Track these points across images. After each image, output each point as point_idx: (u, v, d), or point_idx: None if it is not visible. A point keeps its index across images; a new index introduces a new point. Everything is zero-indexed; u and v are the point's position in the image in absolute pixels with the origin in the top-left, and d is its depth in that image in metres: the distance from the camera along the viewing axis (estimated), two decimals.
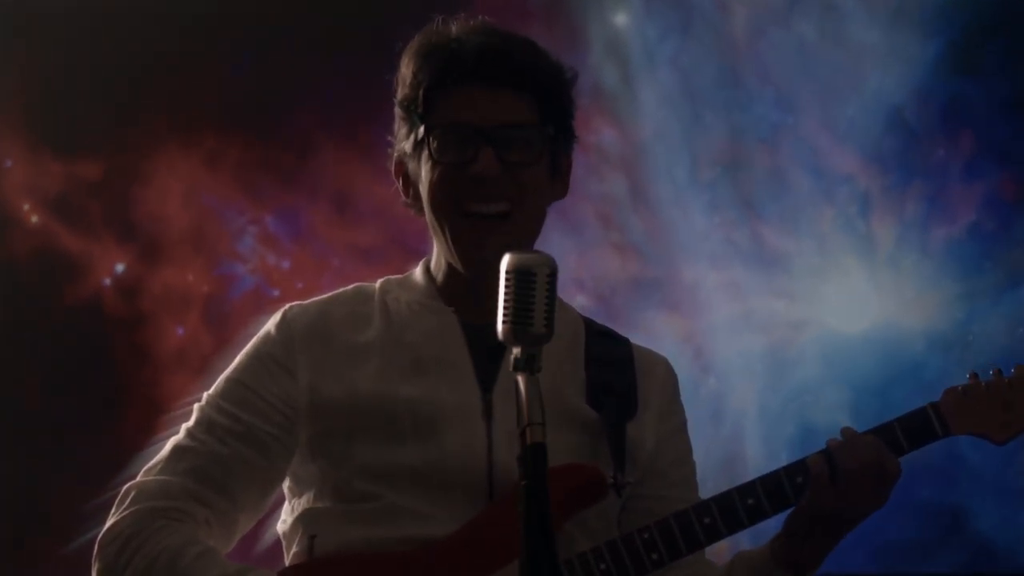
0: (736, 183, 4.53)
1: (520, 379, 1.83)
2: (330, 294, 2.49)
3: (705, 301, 4.50)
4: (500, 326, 1.86)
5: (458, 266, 2.40)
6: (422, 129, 2.36)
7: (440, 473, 2.31)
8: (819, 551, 2.38)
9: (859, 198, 4.53)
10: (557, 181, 2.45)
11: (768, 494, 2.33)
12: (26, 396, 4.45)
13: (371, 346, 2.38)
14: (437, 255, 2.46)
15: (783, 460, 4.29)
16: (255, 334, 2.46)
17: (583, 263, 4.46)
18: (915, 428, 2.36)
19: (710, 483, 4.30)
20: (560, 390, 2.37)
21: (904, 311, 4.48)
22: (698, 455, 4.35)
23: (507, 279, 1.86)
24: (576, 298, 4.37)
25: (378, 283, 2.49)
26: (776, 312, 4.49)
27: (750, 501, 2.31)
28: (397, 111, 2.42)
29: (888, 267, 4.50)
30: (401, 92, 2.41)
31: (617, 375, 2.45)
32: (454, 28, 2.41)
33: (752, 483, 2.34)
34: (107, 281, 4.50)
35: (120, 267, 4.50)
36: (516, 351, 1.85)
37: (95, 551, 2.31)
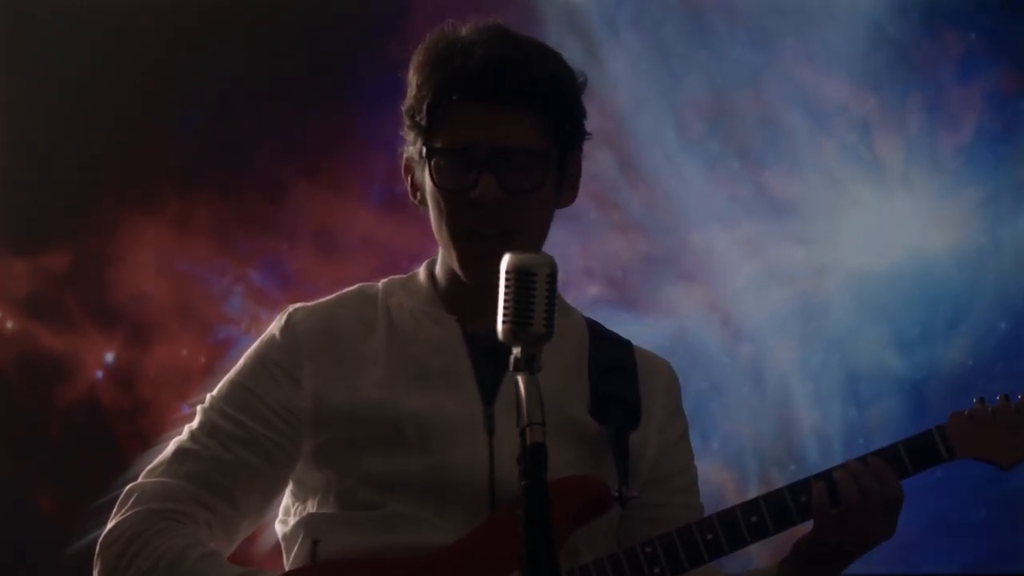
0: (727, 136, 4.50)
1: (520, 379, 1.88)
2: (334, 296, 2.52)
3: (721, 264, 4.47)
4: (500, 326, 1.91)
5: (465, 279, 2.43)
6: (424, 149, 2.39)
7: (443, 485, 2.36)
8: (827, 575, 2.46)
9: (857, 124, 4.50)
10: (565, 190, 2.47)
11: (771, 512, 2.39)
12: (39, 507, 4.41)
13: (376, 355, 2.43)
14: (442, 259, 2.49)
15: (836, 415, 4.46)
16: None
17: (587, 251, 4.43)
18: (920, 451, 2.43)
19: (767, 453, 4.41)
20: (563, 402, 2.40)
21: (927, 231, 4.46)
22: (747, 424, 4.47)
23: (507, 279, 1.91)
24: (588, 289, 4.38)
25: (381, 284, 2.52)
26: (796, 261, 4.48)
27: (753, 518, 2.38)
28: (404, 116, 2.44)
29: (902, 189, 4.48)
30: (407, 100, 2.43)
31: (620, 384, 2.50)
32: (463, 33, 2.40)
33: (755, 500, 2.40)
34: (99, 374, 4.48)
35: (109, 356, 4.48)
36: (516, 351, 1.90)
37: (96, 551, 2.37)
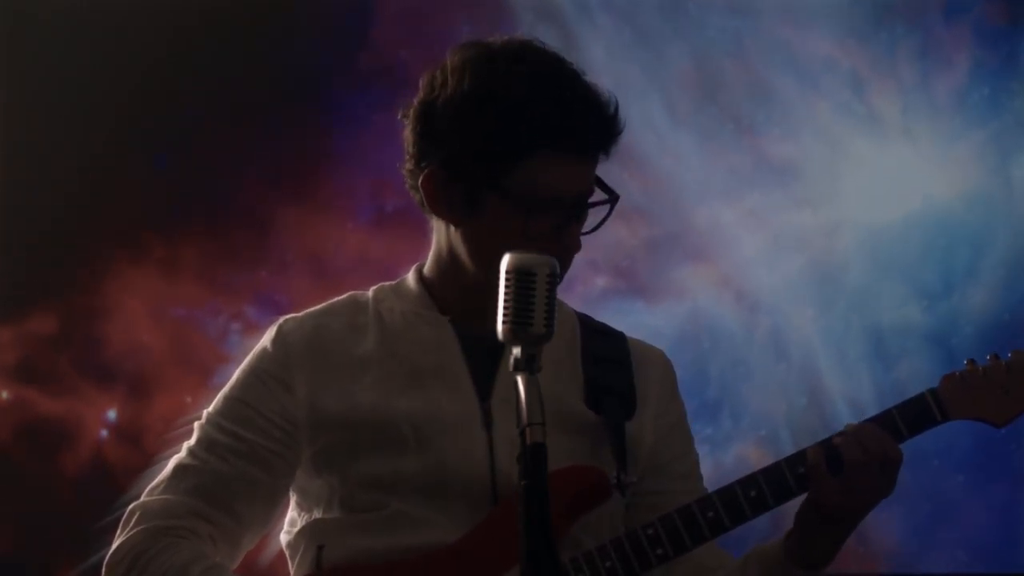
0: (718, 107, 4.47)
1: (520, 379, 1.94)
2: (324, 305, 2.58)
3: (728, 239, 4.44)
4: (500, 326, 1.96)
5: None
6: (512, 187, 2.37)
7: (443, 483, 2.42)
8: (831, 544, 2.48)
9: (849, 79, 4.46)
10: None
11: (770, 485, 2.45)
12: None
13: (368, 359, 2.48)
14: (432, 261, 2.52)
15: (866, 379, 4.41)
16: None
17: (590, 243, 4.25)
18: (914, 415, 2.48)
19: (801, 426, 4.33)
20: (558, 393, 2.43)
21: (935, 178, 4.42)
22: (776, 399, 4.42)
23: (507, 279, 1.96)
24: (595, 281, 4.32)
25: (371, 291, 2.58)
26: (805, 225, 4.44)
27: (752, 493, 2.44)
28: (466, 138, 2.39)
29: (903, 139, 4.44)
30: (483, 120, 2.38)
31: (615, 373, 2.55)
32: (551, 74, 2.40)
33: (754, 475, 2.45)
34: (103, 433, 4.45)
35: (111, 414, 4.45)
36: (516, 351, 1.95)
37: (103, 572, 2.43)
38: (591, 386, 2.52)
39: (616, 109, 2.43)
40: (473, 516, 2.40)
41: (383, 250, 4.36)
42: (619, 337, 2.61)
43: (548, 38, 2.48)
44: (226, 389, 2.52)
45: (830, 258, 4.42)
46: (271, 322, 2.55)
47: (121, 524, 2.45)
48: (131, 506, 2.46)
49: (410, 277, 2.55)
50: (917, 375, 4.34)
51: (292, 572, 2.50)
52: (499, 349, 2.22)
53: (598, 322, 2.62)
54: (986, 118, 4.42)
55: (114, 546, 2.43)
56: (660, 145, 4.44)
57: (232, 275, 4.48)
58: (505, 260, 1.97)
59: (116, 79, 4.51)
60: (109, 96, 4.50)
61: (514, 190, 2.36)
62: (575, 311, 2.61)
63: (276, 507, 2.51)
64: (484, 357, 2.45)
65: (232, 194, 4.48)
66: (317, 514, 2.47)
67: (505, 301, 1.95)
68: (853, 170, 4.44)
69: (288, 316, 2.55)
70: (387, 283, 2.57)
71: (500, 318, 1.95)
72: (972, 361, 2.52)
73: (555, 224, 2.37)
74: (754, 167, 4.45)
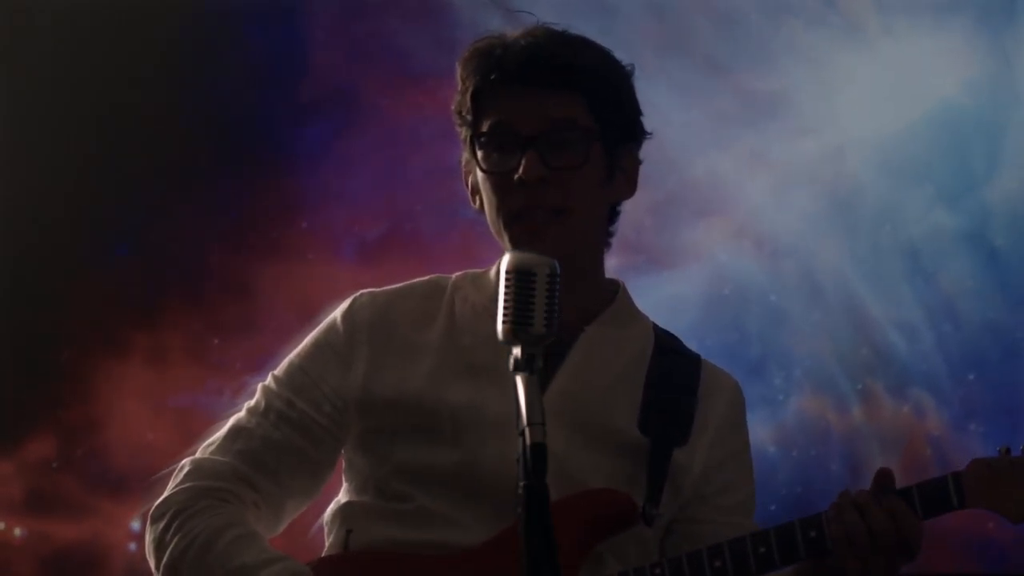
0: (688, 53, 4.43)
1: (519, 379, 1.99)
2: (405, 284, 2.68)
3: (734, 187, 4.39)
4: (500, 326, 2.03)
5: None
6: (470, 138, 2.57)
7: (473, 481, 2.50)
8: None
9: None
10: (619, 181, 2.59)
11: (780, 545, 2.49)
12: None
13: (429, 345, 2.58)
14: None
15: (908, 297, 4.29)
16: None
17: None
18: (932, 497, 2.50)
19: (855, 363, 4.23)
20: (610, 411, 2.56)
21: (931, 75, 4.36)
22: (822, 341, 4.31)
23: (507, 279, 2.03)
24: (607, 261, 4.22)
25: (454, 277, 2.67)
26: (809, 155, 4.39)
27: (761, 550, 2.49)
28: (454, 117, 2.61)
29: (889, 43, 4.39)
30: (454, 100, 2.59)
31: (676, 398, 2.61)
32: (507, 32, 2.57)
33: (767, 532, 2.51)
34: (132, 547, 4.40)
35: (135, 524, 4.41)
36: (516, 351, 2.02)
37: (147, 522, 2.56)
38: (647, 408, 2.57)
39: (562, 41, 2.53)
40: (500, 519, 2.43)
41: (377, 281, 4.30)
42: (693, 361, 2.66)
43: (494, 23, 2.61)
44: (292, 355, 2.65)
45: (843, 182, 4.37)
46: None
47: (173, 476, 2.57)
48: (183, 461, 2.59)
49: (493, 269, 2.62)
50: (961, 281, 4.29)
51: (326, 547, 2.59)
52: (563, 351, 2.48)
53: (676, 342, 2.68)
54: (970, 4, 4.35)
55: (161, 498, 2.54)
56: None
57: (224, 349, 4.47)
58: (505, 260, 2.03)
59: (62, 175, 4.51)
60: (56, 194, 4.50)
61: (473, 141, 2.55)
62: (657, 327, 2.67)
63: (321, 479, 2.60)
64: (544, 358, 2.45)
65: (202, 264, 4.48)
66: (352, 491, 2.58)
67: (505, 301, 2.02)
68: (844, 86, 4.39)
69: (366, 290, 2.65)
70: (472, 271, 2.66)
71: (500, 318, 2.02)
72: (1007, 450, 2.50)
73: (504, 155, 2.49)
74: (741, 106, 4.40)
